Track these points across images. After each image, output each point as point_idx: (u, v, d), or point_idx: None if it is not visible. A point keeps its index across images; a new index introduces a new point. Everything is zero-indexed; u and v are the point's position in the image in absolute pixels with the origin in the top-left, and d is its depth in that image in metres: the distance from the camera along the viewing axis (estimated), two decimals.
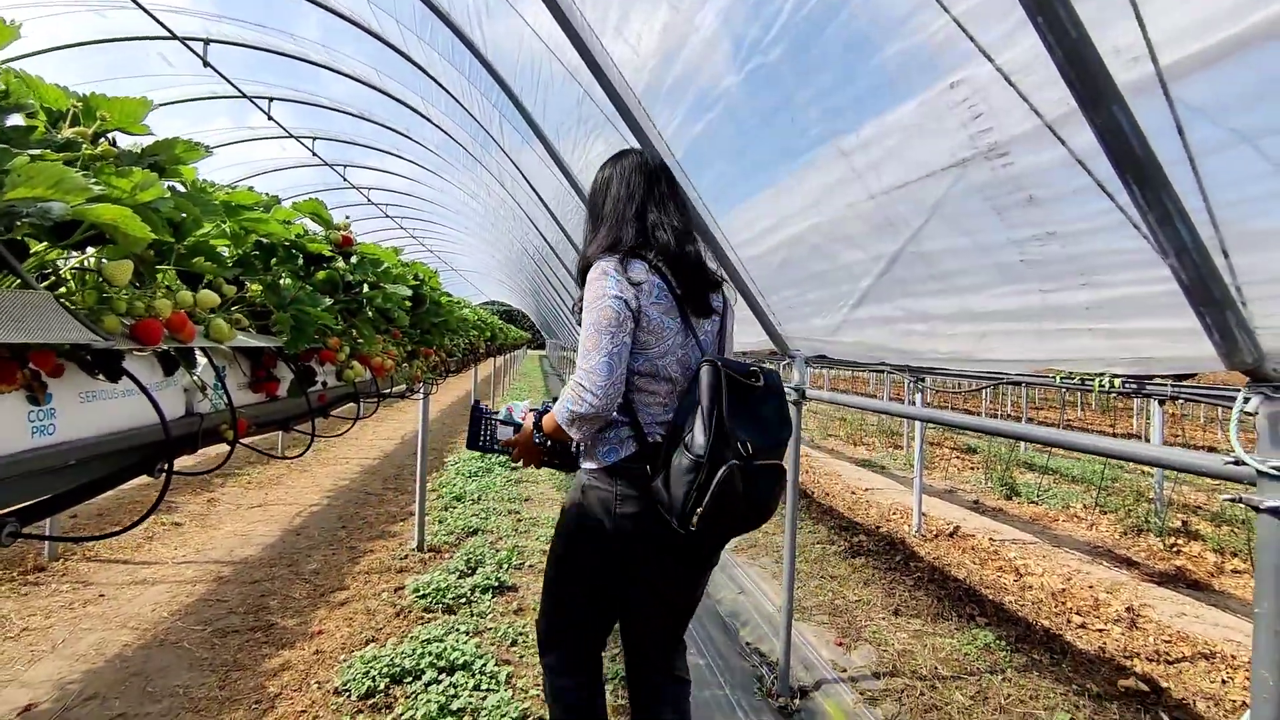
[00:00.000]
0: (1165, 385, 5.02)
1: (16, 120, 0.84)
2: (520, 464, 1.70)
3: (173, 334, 1.02)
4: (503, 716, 2.27)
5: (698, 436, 1.33)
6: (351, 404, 2.38)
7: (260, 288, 1.47)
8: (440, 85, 5.96)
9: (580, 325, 1.49)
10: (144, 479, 1.24)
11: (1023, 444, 9.42)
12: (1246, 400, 1.13)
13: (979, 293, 1.75)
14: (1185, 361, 1.31)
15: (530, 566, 3.80)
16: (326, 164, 9.29)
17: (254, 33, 6.15)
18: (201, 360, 1.35)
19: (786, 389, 2.49)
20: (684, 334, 1.52)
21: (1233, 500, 1.12)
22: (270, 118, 6.79)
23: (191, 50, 5.20)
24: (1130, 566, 4.67)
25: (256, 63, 6.69)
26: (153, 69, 6.14)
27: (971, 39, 1.18)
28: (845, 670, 2.87)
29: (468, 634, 2.86)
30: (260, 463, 6.50)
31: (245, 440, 1.51)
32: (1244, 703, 2.76)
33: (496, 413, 1.75)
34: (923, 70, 1.41)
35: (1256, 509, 1.07)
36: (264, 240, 1.57)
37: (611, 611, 1.66)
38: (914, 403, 5.37)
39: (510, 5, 3.33)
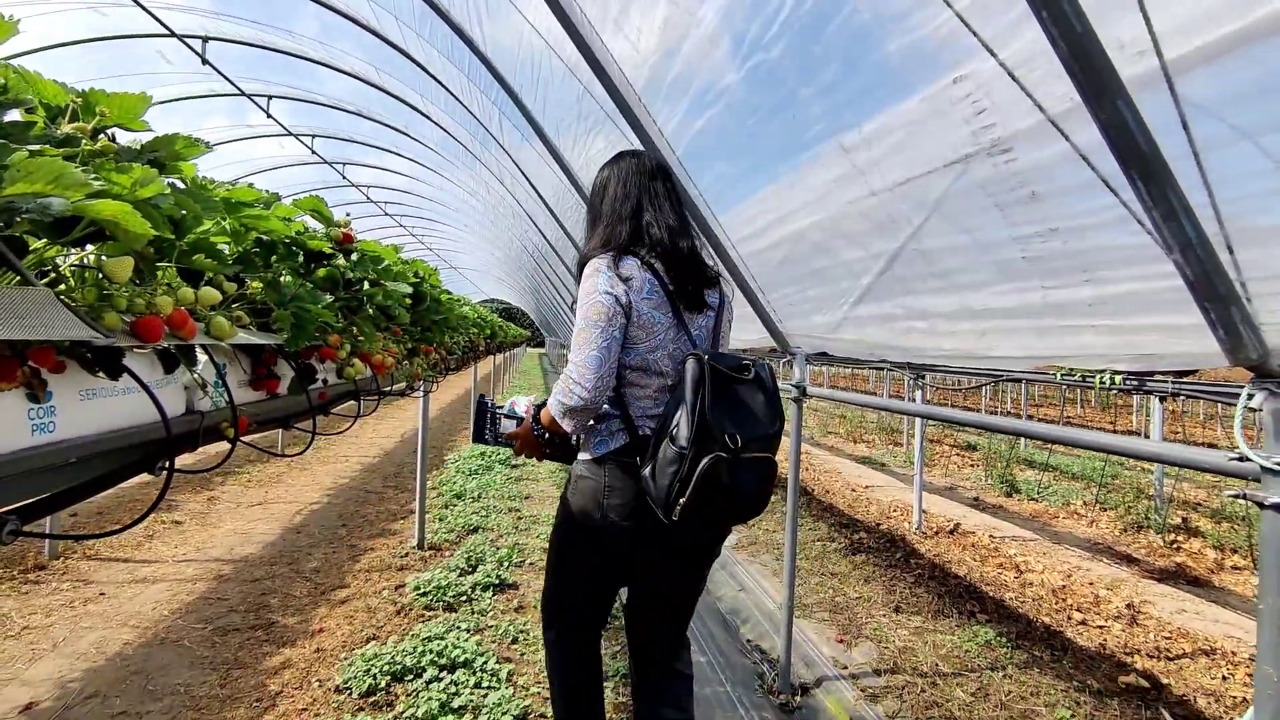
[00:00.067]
0: (1166, 382, 5.01)
1: (15, 116, 0.84)
2: (522, 456, 1.74)
3: (173, 331, 1.02)
4: (504, 714, 2.27)
5: (682, 428, 1.36)
6: (352, 402, 2.38)
7: (261, 285, 1.46)
8: (439, 82, 5.94)
9: None
10: (144, 477, 1.24)
11: (1023, 441, 9.42)
12: (1251, 396, 1.13)
13: (980, 290, 1.75)
14: (1188, 358, 1.31)
15: (531, 564, 3.80)
16: (326, 162, 9.27)
17: (252, 30, 6.14)
18: (202, 358, 1.34)
19: (787, 386, 2.50)
20: (676, 329, 1.54)
21: (1237, 496, 1.12)
22: (269, 115, 6.78)
23: (190, 48, 5.19)
24: (1130, 563, 4.68)
25: (255, 60, 6.68)
26: (151, 67, 6.13)
27: (974, 33, 1.18)
28: (846, 667, 2.87)
29: (469, 632, 2.86)
30: (261, 461, 6.50)
31: (246, 438, 1.50)
32: (1245, 699, 2.76)
33: (501, 407, 1.79)
34: (925, 65, 1.40)
35: (1261, 505, 1.07)
36: (264, 237, 1.56)
37: (607, 595, 1.70)
38: (914, 400, 5.37)
39: (510, 2, 3.32)
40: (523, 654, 2.76)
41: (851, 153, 1.76)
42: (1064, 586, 4.03)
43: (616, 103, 2.37)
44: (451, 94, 6.01)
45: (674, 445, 1.36)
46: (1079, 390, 16.08)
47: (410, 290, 2.29)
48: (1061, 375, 5.61)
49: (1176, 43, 1.02)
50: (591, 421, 1.56)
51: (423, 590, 3.27)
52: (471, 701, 2.35)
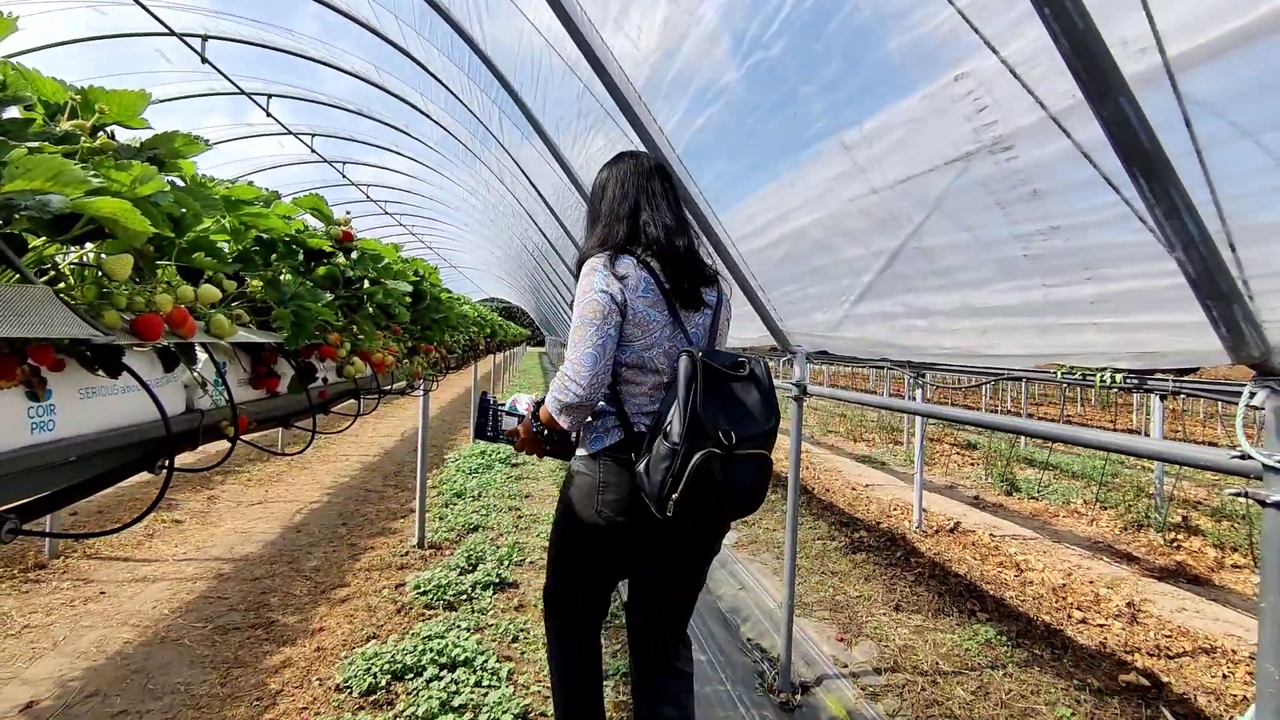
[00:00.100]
0: (1167, 380, 5.01)
1: (14, 113, 0.83)
2: (523, 453, 1.73)
3: (173, 329, 1.02)
4: (504, 712, 2.27)
5: (675, 424, 1.38)
6: (352, 400, 2.38)
7: (261, 283, 1.46)
8: (439, 81, 5.94)
9: None
10: (144, 476, 1.24)
11: (1023, 440, 9.42)
12: (1253, 394, 1.12)
13: (982, 288, 1.74)
14: (1190, 355, 1.30)
15: (531, 563, 3.80)
16: (325, 161, 9.26)
17: (252, 28, 6.13)
18: (202, 356, 1.34)
19: (788, 384, 2.50)
20: (672, 327, 1.55)
21: (1238, 494, 1.12)
22: (269, 114, 6.77)
23: (190, 46, 5.18)
24: (1131, 562, 4.68)
25: (255, 59, 6.68)
26: (151, 65, 6.13)
27: (976, 30, 1.18)
28: (846, 666, 2.87)
29: (469, 630, 2.86)
30: (260, 460, 6.50)
31: (246, 437, 1.50)
32: (1245, 697, 2.76)
33: (503, 405, 1.81)
34: (926, 63, 1.40)
35: (1263, 503, 1.07)
36: (264, 236, 1.56)
37: (605, 590, 1.73)
38: (914, 399, 5.37)
39: (510, 0, 3.32)
40: (523, 652, 2.76)
41: (852, 150, 1.76)
42: (1064, 585, 4.03)
43: (617, 101, 2.37)
44: (451, 92, 6.00)
45: (667, 441, 1.38)
46: (1079, 389, 16.08)
47: (410, 289, 2.29)
48: (1062, 374, 5.60)
49: (1179, 40, 1.02)
50: (589, 418, 1.58)
51: (423, 589, 3.27)
52: (472, 700, 2.35)
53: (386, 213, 13.93)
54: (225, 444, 1.44)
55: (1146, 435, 8.83)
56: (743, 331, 3.36)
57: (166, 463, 1.23)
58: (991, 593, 3.82)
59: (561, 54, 3.15)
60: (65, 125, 0.88)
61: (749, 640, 3.08)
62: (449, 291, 4.30)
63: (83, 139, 0.87)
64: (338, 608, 3.18)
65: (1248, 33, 1.00)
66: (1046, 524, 5.64)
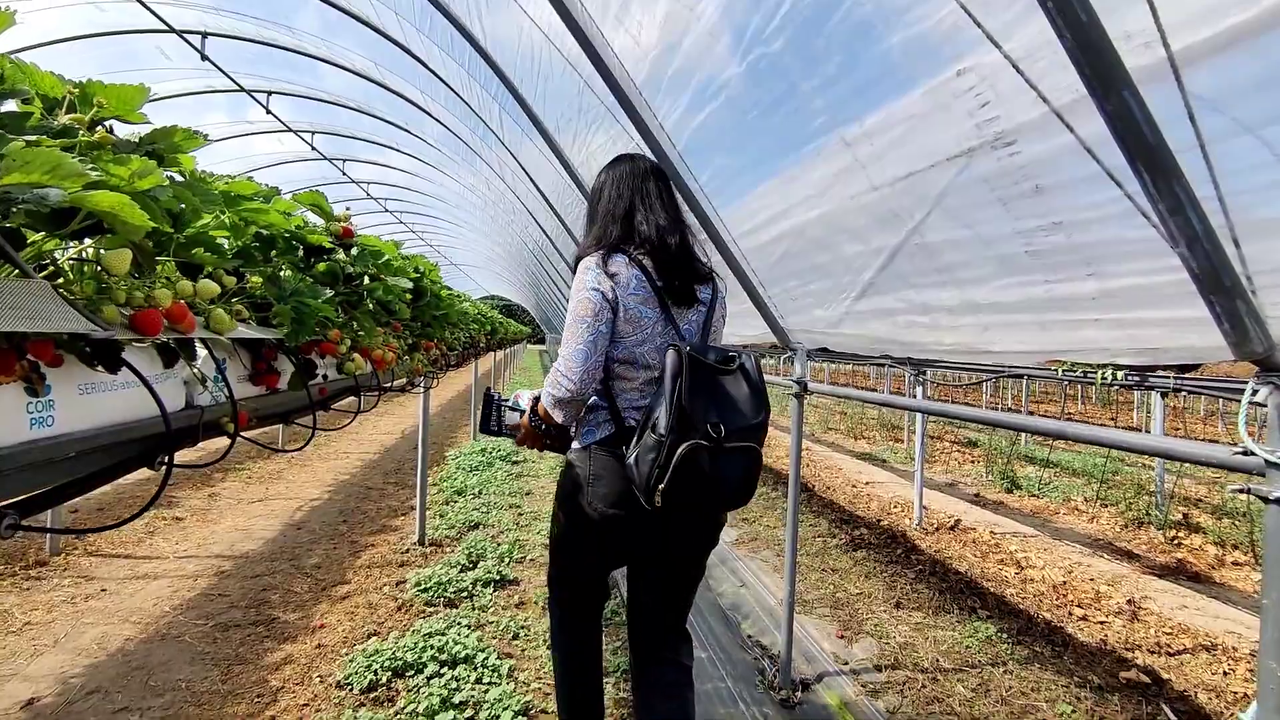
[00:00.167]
0: (1168, 378, 5.00)
1: (11, 106, 0.83)
2: (523, 448, 1.81)
3: (172, 324, 1.01)
4: (505, 709, 2.27)
5: (661, 417, 1.40)
6: (352, 398, 2.37)
7: (260, 279, 1.46)
8: (440, 78, 5.93)
9: None
10: (145, 474, 1.24)
11: (1024, 437, 9.42)
12: (1255, 391, 1.12)
13: (983, 284, 1.74)
14: (1193, 352, 1.30)
15: (531, 560, 3.80)
16: (325, 158, 9.25)
17: (252, 25, 6.12)
18: (201, 352, 1.34)
19: (788, 382, 2.50)
20: (664, 323, 1.58)
21: (1241, 491, 1.11)
22: (269, 111, 6.76)
23: (189, 44, 5.17)
24: (1131, 559, 4.67)
25: (255, 56, 6.66)
26: (150, 63, 6.12)
27: (978, 24, 1.17)
28: (847, 663, 2.87)
29: (469, 628, 2.86)
30: (261, 457, 6.50)
31: (246, 433, 1.50)
32: (1245, 694, 2.76)
33: (506, 400, 1.86)
34: (928, 58, 1.39)
35: (1265, 499, 1.06)
36: (264, 232, 1.56)
37: (600, 578, 1.79)
38: (915, 396, 5.36)
39: None
40: (524, 649, 2.76)
41: (853, 146, 1.75)
42: (1065, 582, 4.03)
43: (617, 97, 2.36)
44: (452, 90, 6.00)
45: (654, 433, 1.41)
46: (1080, 387, 16.07)
47: (411, 285, 2.28)
48: (1063, 371, 5.60)
49: (1183, 34, 1.01)
50: (583, 413, 1.63)
51: (424, 586, 3.27)
52: (473, 697, 2.35)
53: (387, 210, 13.93)
54: (225, 441, 1.43)
55: (1147, 433, 8.83)
56: (743, 329, 3.35)
57: (166, 459, 1.23)
58: (992, 590, 3.82)
59: (562, 50, 3.15)
60: (63, 119, 0.88)
61: (749, 637, 3.08)
62: (449, 289, 4.30)
63: (81, 133, 0.87)
64: (338, 605, 3.19)
65: (1252, 27, 1.00)
66: (1047, 521, 5.64)
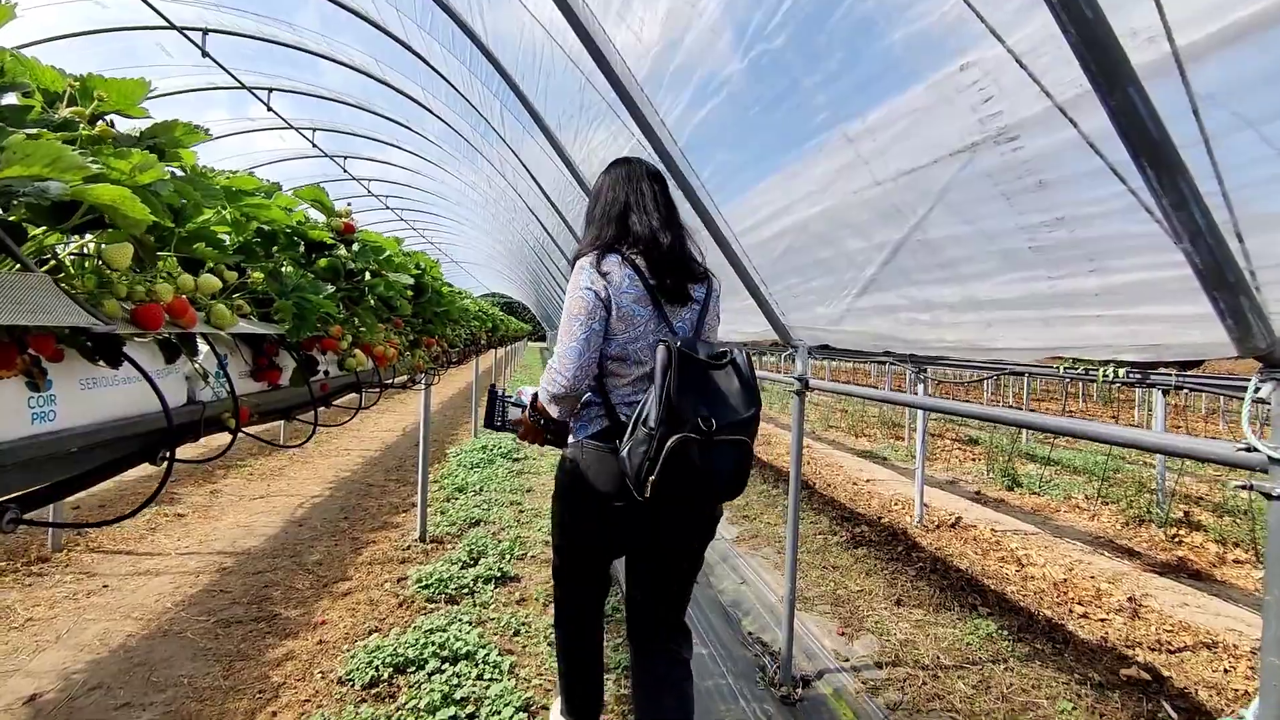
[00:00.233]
0: (1169, 375, 5.00)
1: (12, 99, 0.83)
2: (526, 441, 1.86)
3: (174, 319, 1.01)
4: (506, 705, 2.27)
5: (652, 411, 1.44)
6: (353, 394, 2.37)
7: (262, 275, 1.45)
8: (441, 75, 5.92)
9: None
10: (147, 470, 1.23)
11: (1025, 435, 9.41)
12: (1258, 388, 1.12)
13: (986, 280, 1.74)
14: (1195, 348, 1.29)
15: (532, 557, 3.80)
16: (326, 155, 9.25)
17: (252, 22, 6.11)
18: (203, 348, 1.34)
19: (790, 379, 2.50)
20: (657, 321, 1.62)
21: (1244, 487, 1.11)
22: (269, 108, 6.75)
23: (190, 40, 5.16)
24: (1132, 557, 4.67)
25: (256, 53, 6.66)
26: (151, 60, 6.10)
27: (981, 19, 1.17)
28: (848, 660, 2.87)
29: (470, 624, 2.86)
30: (262, 454, 6.51)
31: (247, 429, 1.50)
32: (1246, 692, 2.76)
33: (510, 396, 1.91)
34: (931, 52, 1.39)
35: (1268, 496, 1.06)
36: (265, 227, 1.55)
37: (598, 566, 1.84)
38: (916, 394, 5.36)
39: None
40: (524, 646, 2.76)
41: (856, 142, 1.75)
42: (1065, 580, 4.03)
43: (619, 94, 2.36)
44: (453, 86, 5.98)
45: (644, 427, 1.45)
46: (1080, 385, 16.05)
47: (412, 281, 2.28)
48: (1064, 368, 5.59)
49: (1188, 29, 1.01)
50: (578, 408, 1.68)
51: (425, 583, 3.27)
52: (474, 693, 2.35)
53: (388, 207, 13.92)
54: (226, 437, 1.43)
55: (1149, 430, 8.80)
56: (745, 325, 3.35)
57: (168, 454, 1.23)
58: (993, 587, 3.82)
59: (563, 47, 3.14)
60: (64, 112, 0.88)
61: (750, 634, 3.09)
62: (450, 286, 4.29)
63: (82, 126, 0.87)
64: (340, 601, 3.19)
65: (1259, 21, 0.99)
66: (1048, 519, 5.64)
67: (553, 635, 2.78)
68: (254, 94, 6.51)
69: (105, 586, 3.28)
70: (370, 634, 2.81)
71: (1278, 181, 1.07)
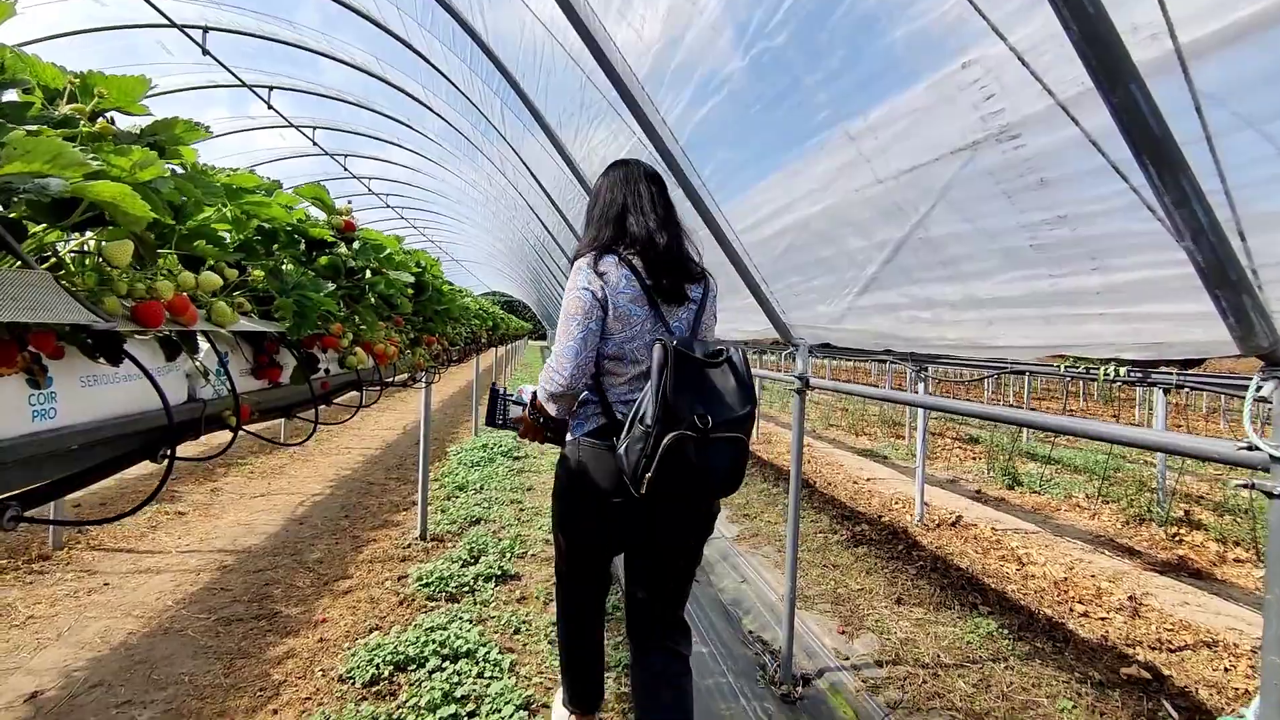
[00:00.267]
0: (1170, 374, 4.99)
1: (12, 96, 0.82)
2: (526, 439, 1.89)
3: (174, 317, 1.01)
4: (506, 703, 2.28)
5: (648, 409, 1.47)
6: (353, 393, 2.37)
7: (262, 273, 1.45)
8: (441, 73, 5.91)
9: None
10: (147, 467, 1.23)
11: (1025, 434, 9.41)
12: (1260, 387, 1.12)
13: (987, 279, 1.73)
14: (1197, 346, 1.29)
15: (533, 555, 3.80)
16: (327, 153, 9.25)
17: (253, 20, 6.10)
18: (204, 345, 1.34)
19: (790, 377, 2.50)
20: (653, 320, 1.65)
21: (1245, 486, 1.11)
22: (270, 106, 6.74)
23: (190, 38, 5.16)
24: (1132, 556, 4.67)
25: (256, 51, 6.65)
26: (151, 58, 6.10)
27: (983, 16, 1.16)
28: (848, 658, 2.87)
29: (471, 622, 2.87)
30: (263, 452, 6.51)
31: (248, 427, 1.50)
32: (1247, 690, 2.76)
33: (511, 394, 1.93)
34: (933, 50, 1.38)
35: (1269, 495, 1.06)
36: (266, 225, 1.55)
37: (597, 560, 1.87)
38: (916, 392, 5.36)
39: None
40: (525, 644, 2.76)
41: (857, 140, 1.75)
42: (1066, 579, 4.03)
43: (619, 92, 2.36)
44: (453, 84, 5.98)
45: (641, 424, 1.47)
46: (1081, 383, 16.04)
47: (412, 279, 2.28)
48: (1065, 367, 5.58)
49: (1191, 27, 1.00)
50: (576, 405, 1.72)
51: (425, 581, 3.27)
52: (474, 691, 2.36)
53: (388, 205, 13.92)
54: (227, 435, 1.43)
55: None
56: (745, 324, 3.35)
57: (169, 452, 1.23)
58: (993, 586, 3.82)
59: (564, 45, 3.14)
60: (64, 109, 0.87)
61: (750, 633, 3.09)
62: (451, 284, 4.29)
63: (82, 123, 0.87)
64: (340, 599, 3.19)
65: (1260, 20, 0.99)
66: (1048, 518, 5.64)
67: (553, 634, 2.80)
68: (254, 92, 6.50)
69: (106, 584, 3.28)
70: (371, 632, 2.81)
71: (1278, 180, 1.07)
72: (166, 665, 2.55)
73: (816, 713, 2.45)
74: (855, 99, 1.72)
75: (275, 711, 2.28)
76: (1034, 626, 3.29)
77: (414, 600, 3.14)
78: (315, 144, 8.60)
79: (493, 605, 3.10)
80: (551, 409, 1.69)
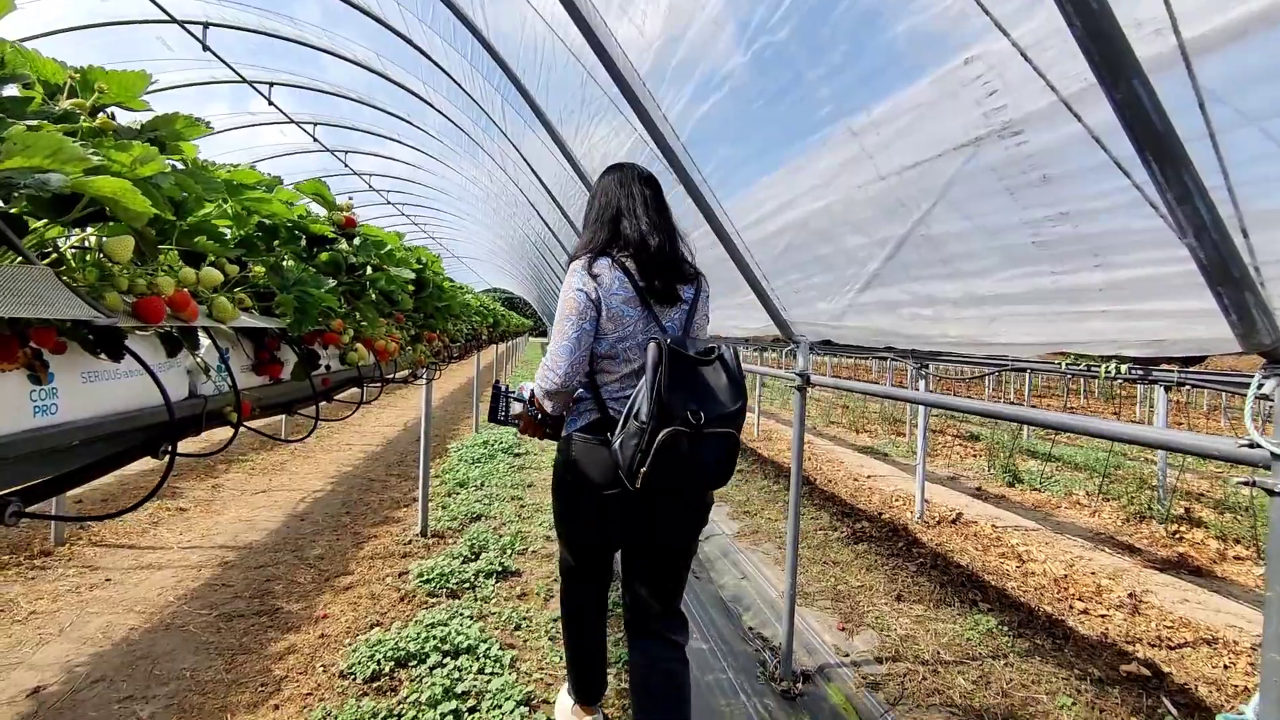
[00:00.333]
0: (1172, 371, 4.99)
1: (12, 91, 0.82)
2: (526, 435, 1.94)
3: (175, 312, 1.01)
4: (507, 699, 2.28)
5: (643, 406, 1.51)
6: (354, 389, 2.37)
7: (263, 269, 1.45)
8: (442, 69, 5.90)
9: None
10: (148, 464, 1.24)
11: (1026, 431, 9.41)
12: (1261, 384, 1.11)
13: (989, 275, 1.73)
14: (1199, 343, 1.29)
15: (533, 552, 3.81)
16: (328, 150, 9.23)
17: (254, 16, 6.09)
18: (205, 342, 1.34)
19: (791, 374, 2.50)
20: (645, 320, 1.70)
21: (1246, 483, 1.11)
22: (271, 103, 6.74)
23: (191, 34, 5.15)
24: (1133, 553, 4.67)
25: (257, 47, 6.65)
26: (151, 53, 6.09)
27: (986, 12, 1.16)
28: (848, 655, 2.88)
29: (471, 618, 2.87)
30: (264, 448, 6.52)
31: (249, 423, 1.50)
32: (1246, 687, 2.76)
33: (513, 392, 1.97)
34: (935, 46, 1.38)
35: (1270, 492, 1.06)
36: (266, 221, 1.55)
37: (595, 550, 1.92)
38: (917, 390, 5.35)
39: None
40: (526, 640, 2.77)
41: (860, 136, 1.74)
42: (1066, 576, 4.03)
43: (621, 88, 2.35)
44: (454, 80, 5.97)
45: (636, 420, 1.52)
46: (1082, 381, 16.04)
47: (413, 276, 2.28)
48: (1066, 365, 5.58)
49: (1195, 22, 1.00)
50: (571, 402, 1.78)
51: (426, 577, 3.28)
52: (475, 687, 2.36)
53: (389, 202, 13.91)
54: (228, 432, 1.43)
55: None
56: (746, 321, 3.34)
57: (170, 448, 1.23)
58: (993, 583, 3.82)
59: (565, 41, 3.13)
60: (64, 104, 0.87)
61: (750, 629, 3.09)
62: (451, 280, 4.29)
63: (82, 119, 0.86)
64: (341, 595, 3.20)
65: (1267, 15, 0.99)
66: (1049, 515, 5.64)
67: (554, 630, 2.81)
68: (255, 88, 6.50)
69: (108, 580, 3.29)
70: (372, 628, 2.81)
71: None
72: (168, 661, 2.56)
73: (816, 709, 2.45)
74: (858, 94, 1.71)
75: (277, 707, 2.29)
76: (1034, 623, 3.29)
77: (415, 596, 3.15)
78: (316, 140, 8.59)
79: (493, 601, 3.11)
80: (547, 406, 1.74)
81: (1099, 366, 5.25)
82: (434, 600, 3.11)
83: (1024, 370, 7.33)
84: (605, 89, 2.96)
